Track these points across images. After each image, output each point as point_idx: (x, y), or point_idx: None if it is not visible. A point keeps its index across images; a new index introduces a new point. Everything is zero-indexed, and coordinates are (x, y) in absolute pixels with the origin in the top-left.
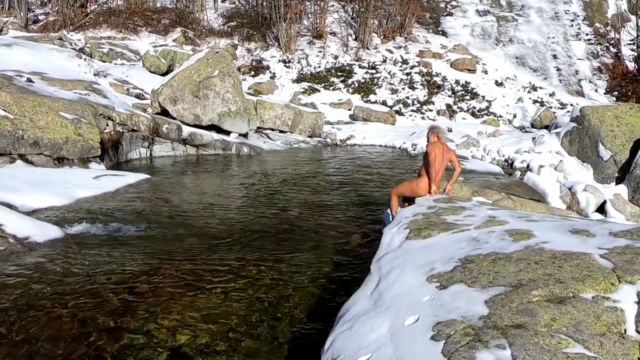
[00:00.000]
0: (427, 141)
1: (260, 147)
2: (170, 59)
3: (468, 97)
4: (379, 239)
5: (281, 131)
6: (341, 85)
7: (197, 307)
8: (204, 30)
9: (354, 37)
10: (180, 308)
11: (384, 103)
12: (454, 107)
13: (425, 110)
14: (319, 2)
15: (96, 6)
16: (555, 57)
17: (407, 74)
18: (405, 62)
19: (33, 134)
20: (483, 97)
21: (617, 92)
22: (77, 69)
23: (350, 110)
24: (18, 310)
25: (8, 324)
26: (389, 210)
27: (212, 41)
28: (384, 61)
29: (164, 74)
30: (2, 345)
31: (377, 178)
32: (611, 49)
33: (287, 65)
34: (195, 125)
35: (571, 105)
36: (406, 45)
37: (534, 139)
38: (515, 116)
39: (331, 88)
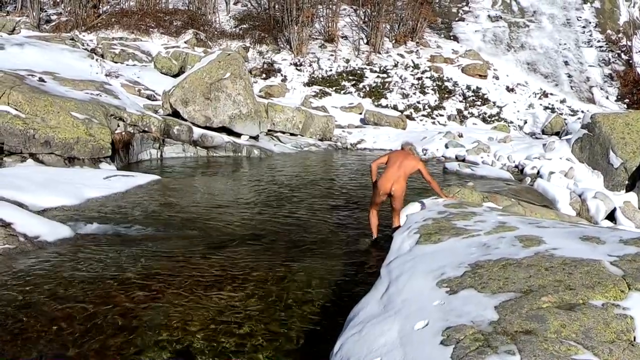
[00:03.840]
0: None
1: (271, 149)
2: (182, 60)
3: (479, 103)
4: (389, 243)
5: (292, 134)
6: (352, 89)
7: (206, 308)
8: (215, 33)
9: (365, 41)
10: (190, 309)
11: (395, 107)
12: (465, 113)
13: (436, 115)
14: (330, 6)
15: (108, 7)
16: (566, 63)
17: (419, 79)
18: (416, 66)
19: (44, 133)
20: (494, 102)
21: (628, 100)
22: (88, 69)
23: (361, 114)
24: (27, 308)
25: (17, 322)
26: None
27: (223, 43)
28: (396, 65)
29: (176, 76)
30: (10, 343)
31: None
32: (623, 56)
33: (298, 68)
34: (206, 127)
35: (582, 112)
36: (418, 50)
37: (544, 145)
38: (525, 122)
39: (342, 92)
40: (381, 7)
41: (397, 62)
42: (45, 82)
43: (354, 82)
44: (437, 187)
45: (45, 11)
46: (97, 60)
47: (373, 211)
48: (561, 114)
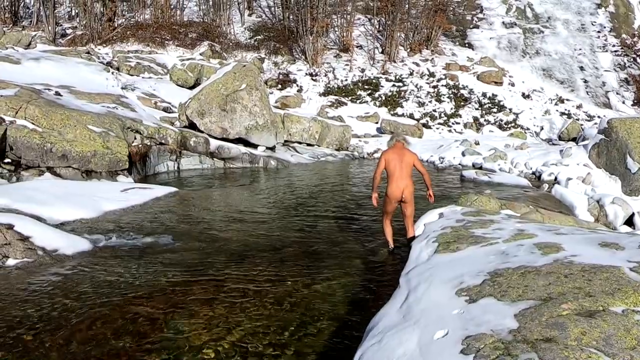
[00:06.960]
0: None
1: (288, 160)
2: (198, 72)
3: (495, 110)
4: (407, 252)
5: (308, 144)
6: (368, 99)
7: (224, 320)
8: (230, 44)
9: (380, 50)
10: (208, 322)
11: (411, 116)
12: (481, 120)
13: (452, 123)
14: (345, 16)
15: (124, 20)
16: (582, 68)
17: (434, 87)
18: (432, 74)
19: (61, 147)
20: (510, 109)
21: None
22: (104, 83)
23: (377, 123)
24: (46, 321)
25: (36, 335)
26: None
27: (239, 55)
28: (411, 74)
29: (191, 88)
30: (29, 356)
31: None
32: (638, 60)
33: (314, 78)
34: (222, 139)
35: (598, 117)
36: (433, 58)
37: (561, 151)
38: (542, 128)
39: (358, 101)
40: (395, 15)
41: (413, 71)
42: (61, 95)
43: (369, 91)
44: (429, 180)
45: (61, 25)
46: (113, 73)
47: (387, 220)
48: (577, 119)
